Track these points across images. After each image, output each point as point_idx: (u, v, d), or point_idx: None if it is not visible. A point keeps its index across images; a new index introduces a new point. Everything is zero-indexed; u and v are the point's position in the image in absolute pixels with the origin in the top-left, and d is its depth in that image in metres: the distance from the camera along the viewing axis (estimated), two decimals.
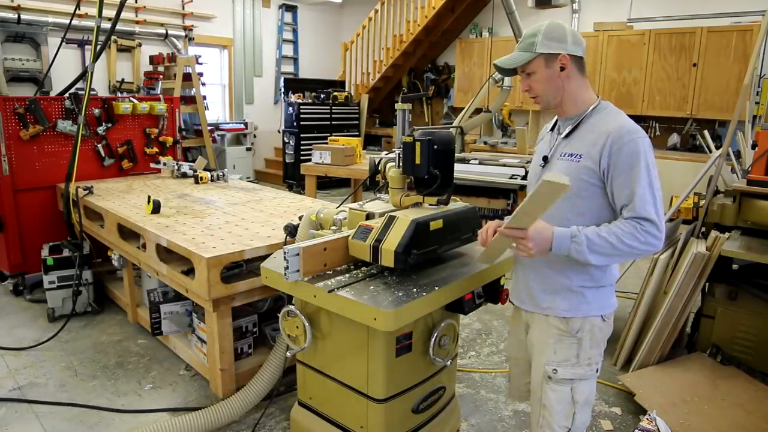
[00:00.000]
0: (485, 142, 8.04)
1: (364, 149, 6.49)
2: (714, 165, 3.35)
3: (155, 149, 4.83)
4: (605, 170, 1.58)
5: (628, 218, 1.55)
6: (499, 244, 1.64)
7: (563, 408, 1.73)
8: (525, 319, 1.87)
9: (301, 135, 8.51)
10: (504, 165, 4.74)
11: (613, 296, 1.75)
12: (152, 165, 4.72)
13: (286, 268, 1.82)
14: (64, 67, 6.81)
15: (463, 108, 5.77)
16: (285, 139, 8.67)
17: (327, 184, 8.58)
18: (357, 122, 9.31)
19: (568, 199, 1.62)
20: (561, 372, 1.71)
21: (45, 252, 3.81)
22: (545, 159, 1.75)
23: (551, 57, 1.64)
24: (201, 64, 7.70)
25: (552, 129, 1.82)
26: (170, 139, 4.91)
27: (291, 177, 8.67)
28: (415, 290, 1.80)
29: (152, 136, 4.81)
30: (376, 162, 2.49)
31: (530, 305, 1.79)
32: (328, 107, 8.83)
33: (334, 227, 2.19)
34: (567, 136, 1.70)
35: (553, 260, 1.67)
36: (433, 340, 2.03)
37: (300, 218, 2.38)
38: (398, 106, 4.85)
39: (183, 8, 8.44)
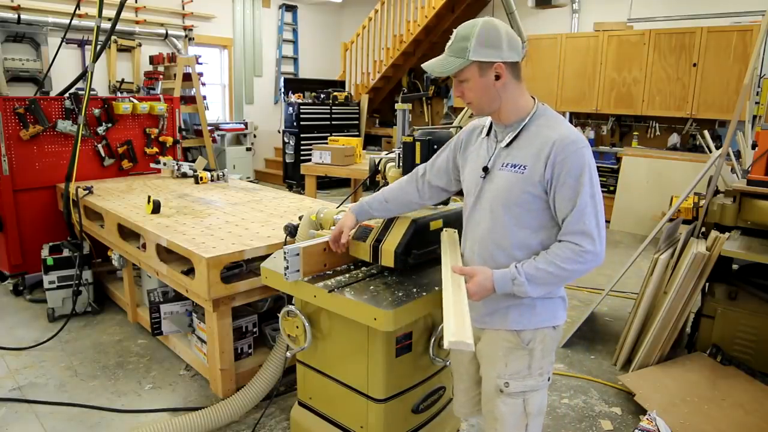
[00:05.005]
0: None
1: (364, 149, 6.49)
2: (714, 165, 3.34)
3: (155, 149, 4.83)
4: (549, 181, 1.51)
5: (566, 239, 1.50)
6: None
7: (515, 420, 1.67)
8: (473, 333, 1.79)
9: (301, 135, 8.51)
10: None
11: (564, 307, 1.69)
12: (152, 165, 4.72)
13: (286, 268, 1.82)
14: (64, 67, 6.81)
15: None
16: (285, 139, 8.67)
17: (327, 184, 8.58)
18: (357, 122, 9.31)
19: (512, 213, 1.58)
20: (513, 385, 1.65)
21: (45, 252, 3.81)
22: (485, 170, 1.64)
23: (485, 65, 1.52)
24: (201, 64, 7.70)
25: (488, 134, 1.69)
26: (170, 139, 4.91)
27: (291, 177, 8.67)
28: (415, 290, 1.81)
29: (152, 136, 4.81)
30: (376, 162, 2.50)
31: (478, 322, 1.69)
32: (328, 107, 8.83)
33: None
34: (508, 145, 1.60)
35: None
36: (433, 340, 2.03)
37: (300, 218, 2.38)
38: (398, 106, 4.84)
39: (183, 8, 8.44)
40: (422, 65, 1.63)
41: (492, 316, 1.66)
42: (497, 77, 1.54)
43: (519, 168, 1.56)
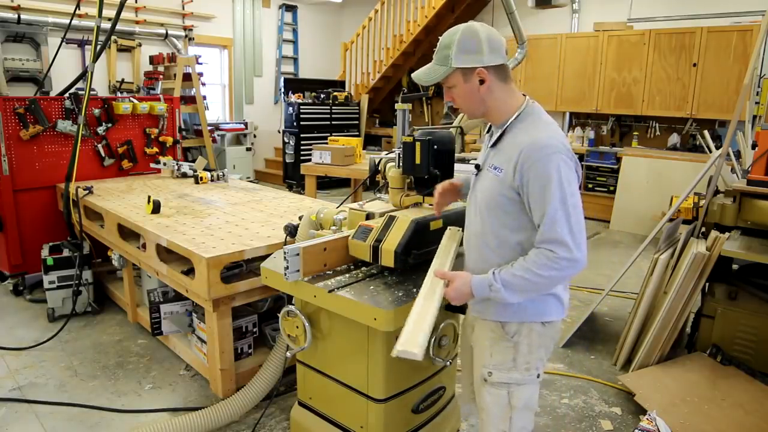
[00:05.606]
0: None
1: (364, 149, 6.49)
2: (714, 165, 3.35)
3: (155, 149, 4.83)
4: (519, 187, 1.52)
5: (541, 246, 1.49)
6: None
7: (499, 411, 1.69)
8: (470, 321, 1.83)
9: (301, 135, 8.51)
10: None
11: (559, 306, 1.67)
12: (152, 165, 4.72)
13: (286, 268, 1.82)
14: (64, 67, 6.81)
15: None
16: (285, 139, 8.67)
17: (327, 184, 8.58)
18: (357, 122, 9.31)
19: (494, 213, 1.61)
20: (496, 375, 1.67)
21: (45, 252, 3.81)
22: (478, 168, 1.70)
23: (468, 71, 1.56)
24: (201, 64, 7.69)
25: (488, 131, 1.74)
26: (170, 139, 4.91)
27: (291, 177, 8.67)
28: (415, 290, 1.80)
29: (152, 136, 4.81)
30: (376, 162, 2.50)
31: (473, 311, 1.76)
32: (328, 107, 8.83)
33: (334, 227, 2.19)
34: (494, 145, 1.63)
35: (483, 271, 1.62)
36: (433, 340, 2.03)
37: (300, 218, 2.38)
38: (398, 106, 4.85)
39: (183, 8, 8.43)
40: (411, 75, 1.67)
41: (480, 305, 1.70)
42: (481, 82, 1.57)
43: (498, 170, 1.58)
